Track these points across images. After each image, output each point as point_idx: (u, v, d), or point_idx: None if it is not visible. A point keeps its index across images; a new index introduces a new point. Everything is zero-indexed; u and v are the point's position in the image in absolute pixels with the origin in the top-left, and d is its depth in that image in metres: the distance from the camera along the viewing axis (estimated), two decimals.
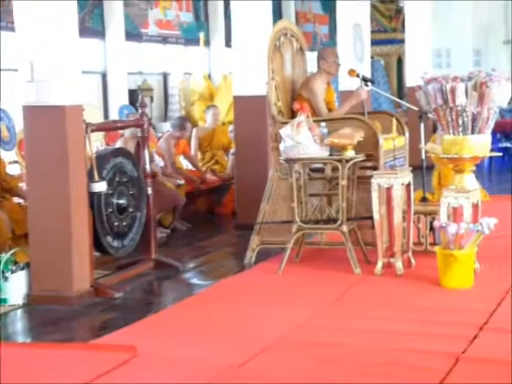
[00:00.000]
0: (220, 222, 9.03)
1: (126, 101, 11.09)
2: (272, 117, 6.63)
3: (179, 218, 8.27)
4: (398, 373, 4.01)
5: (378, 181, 5.91)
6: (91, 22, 10.76)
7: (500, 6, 18.35)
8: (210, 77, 13.07)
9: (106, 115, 10.86)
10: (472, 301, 5.29)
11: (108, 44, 11.12)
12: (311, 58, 7.82)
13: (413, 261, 6.15)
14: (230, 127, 9.87)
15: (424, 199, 6.84)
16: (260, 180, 7.60)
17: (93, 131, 5.78)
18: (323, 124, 6.16)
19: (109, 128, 7.21)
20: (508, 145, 11.74)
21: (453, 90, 5.58)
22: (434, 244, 6.33)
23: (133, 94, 10.99)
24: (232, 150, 9.41)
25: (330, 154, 6.13)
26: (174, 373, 4.13)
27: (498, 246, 6.47)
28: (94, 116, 7.49)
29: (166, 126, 11.21)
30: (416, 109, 6.85)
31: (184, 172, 9.02)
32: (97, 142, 8.06)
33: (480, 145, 5.73)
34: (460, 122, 5.65)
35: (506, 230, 6.83)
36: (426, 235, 6.49)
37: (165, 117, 12.49)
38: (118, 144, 7.67)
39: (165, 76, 12.75)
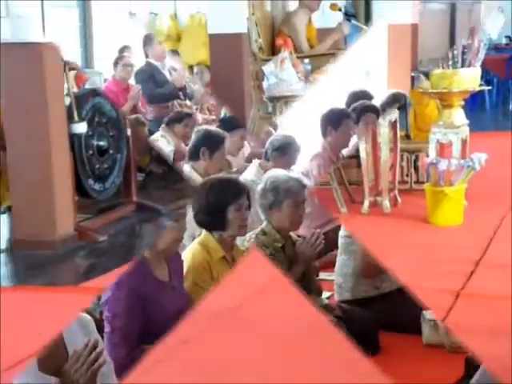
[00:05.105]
0: None
1: None
2: (253, 54, 6.45)
3: (155, 160, 8.08)
4: None
5: None
6: None
7: None
8: (175, 16, 12.74)
9: None
10: (464, 237, 5.22)
11: None
12: None
13: (399, 199, 6.07)
14: None
15: (407, 137, 6.76)
16: None
17: (71, 70, 5.57)
18: (306, 60, 6.02)
19: None
20: None
21: None
22: (418, 182, 6.26)
23: None
24: None
25: None
26: None
27: (484, 183, 6.40)
28: None
29: None
30: None
31: None
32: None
33: (470, 78, 5.62)
34: (450, 55, 5.54)
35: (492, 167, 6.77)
36: (410, 173, 6.41)
37: None
38: None
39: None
